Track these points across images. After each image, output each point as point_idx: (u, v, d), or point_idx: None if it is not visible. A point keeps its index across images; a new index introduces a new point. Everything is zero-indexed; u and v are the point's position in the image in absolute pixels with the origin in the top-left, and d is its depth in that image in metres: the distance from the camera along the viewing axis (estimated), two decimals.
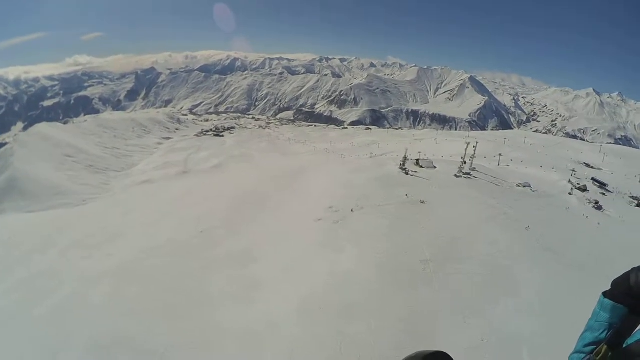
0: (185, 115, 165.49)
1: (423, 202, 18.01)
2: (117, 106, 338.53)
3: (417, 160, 27.01)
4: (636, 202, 27.61)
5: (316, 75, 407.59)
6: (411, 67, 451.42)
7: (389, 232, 15.08)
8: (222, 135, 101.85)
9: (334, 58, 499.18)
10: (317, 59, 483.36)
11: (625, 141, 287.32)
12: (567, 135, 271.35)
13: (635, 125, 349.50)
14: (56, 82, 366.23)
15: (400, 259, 12.81)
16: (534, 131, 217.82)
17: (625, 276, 1.72)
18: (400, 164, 24.34)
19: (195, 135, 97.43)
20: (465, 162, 24.47)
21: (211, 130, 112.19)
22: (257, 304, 10.63)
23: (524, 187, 23.97)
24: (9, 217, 35.44)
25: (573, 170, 32.20)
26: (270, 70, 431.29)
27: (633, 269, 1.71)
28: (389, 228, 15.42)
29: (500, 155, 35.61)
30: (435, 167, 26.29)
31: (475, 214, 17.62)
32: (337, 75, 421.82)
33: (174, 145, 72.10)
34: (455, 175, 23.64)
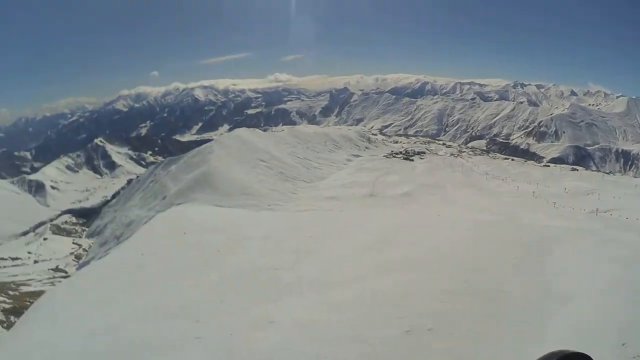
0: (375, 134, 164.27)
1: None
2: (312, 120, 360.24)
3: None
4: None
5: (511, 103, 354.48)
6: (618, 97, 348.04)
7: None
8: (412, 160, 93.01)
9: (529, 84, 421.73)
10: (511, 85, 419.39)
11: None
12: None
13: None
14: (259, 95, 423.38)
15: None
16: None
17: None
18: None
19: (384, 155, 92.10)
20: None
21: (401, 152, 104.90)
22: None
23: None
24: (204, 207, 36.20)
25: None
26: (461, 95, 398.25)
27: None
28: None
29: None
30: None
31: None
32: (533, 104, 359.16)
33: (362, 164, 68.02)
34: None
